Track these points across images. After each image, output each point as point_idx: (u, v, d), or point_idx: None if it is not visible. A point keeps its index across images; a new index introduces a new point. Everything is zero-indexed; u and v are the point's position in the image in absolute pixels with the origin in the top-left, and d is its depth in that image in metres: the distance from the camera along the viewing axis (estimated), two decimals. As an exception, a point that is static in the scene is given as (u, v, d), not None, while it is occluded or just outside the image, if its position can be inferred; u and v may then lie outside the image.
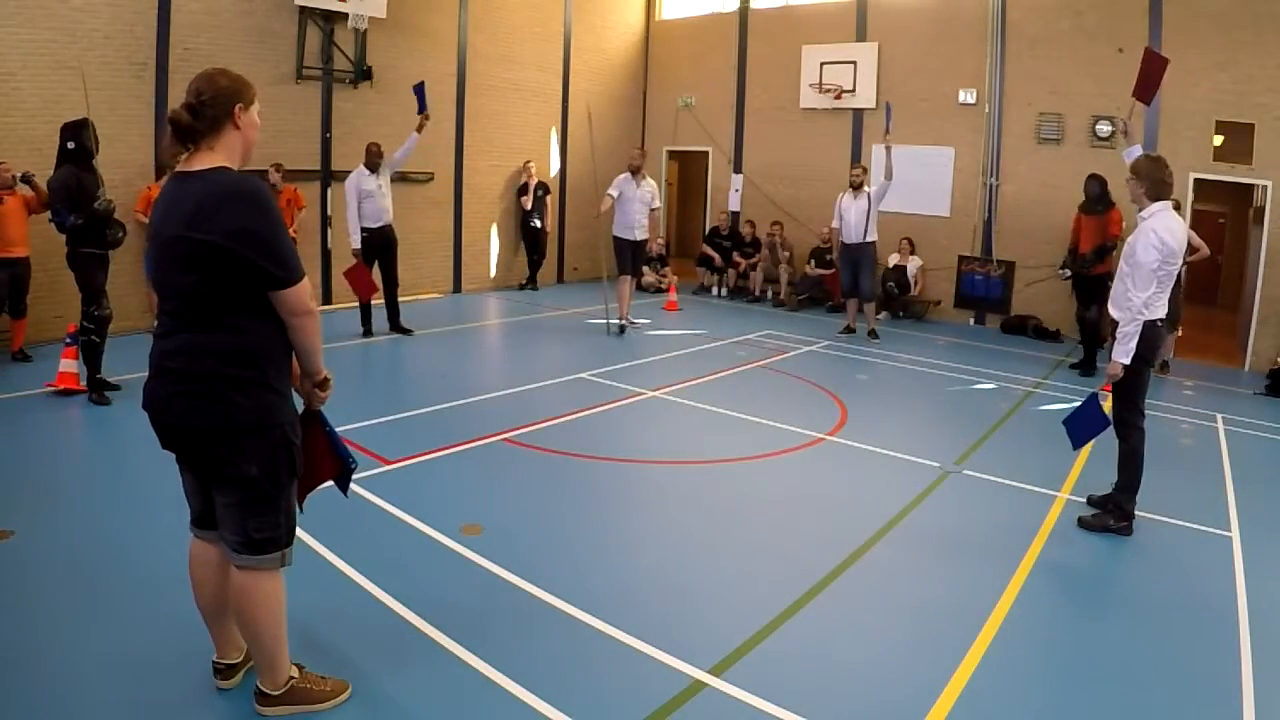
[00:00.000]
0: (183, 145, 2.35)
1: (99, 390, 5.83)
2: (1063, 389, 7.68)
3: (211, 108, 2.33)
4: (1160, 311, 4.26)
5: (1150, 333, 4.22)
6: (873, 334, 9.60)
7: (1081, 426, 4.53)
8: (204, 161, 2.33)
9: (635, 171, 9.05)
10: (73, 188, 5.53)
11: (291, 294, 2.32)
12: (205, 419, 2.32)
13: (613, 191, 9.06)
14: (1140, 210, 4.30)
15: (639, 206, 9.07)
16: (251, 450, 2.35)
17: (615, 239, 9.28)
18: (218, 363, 2.30)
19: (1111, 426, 4.45)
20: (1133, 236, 4.26)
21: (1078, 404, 4.69)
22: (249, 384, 2.33)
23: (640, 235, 9.17)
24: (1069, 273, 8.40)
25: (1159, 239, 4.12)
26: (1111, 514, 4.39)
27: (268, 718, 2.56)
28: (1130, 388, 4.33)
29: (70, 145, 5.58)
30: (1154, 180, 4.27)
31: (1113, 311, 4.36)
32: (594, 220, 9.50)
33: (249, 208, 2.26)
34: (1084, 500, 4.73)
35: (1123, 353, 4.22)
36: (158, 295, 2.45)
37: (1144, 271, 4.13)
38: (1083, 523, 4.43)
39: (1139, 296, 4.15)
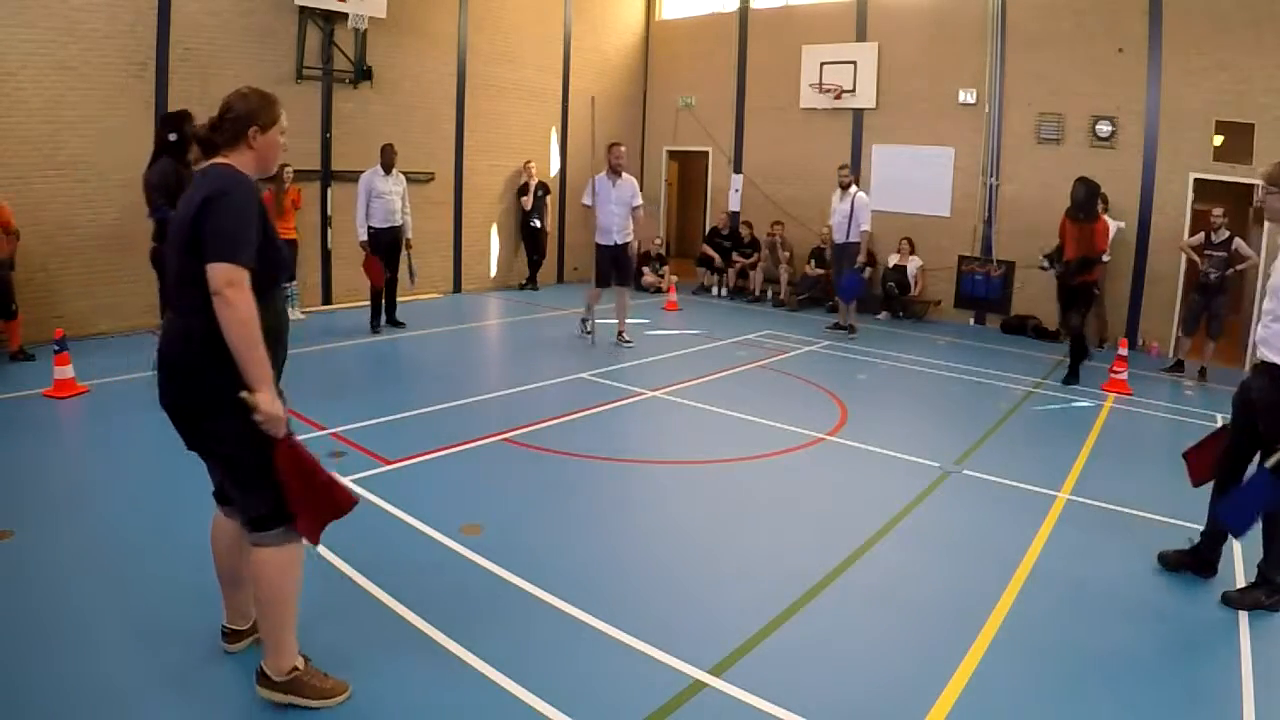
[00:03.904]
0: (206, 155, 2.52)
1: None
2: (1063, 389, 7.68)
3: (231, 125, 2.49)
4: None
5: None
6: (851, 329, 9.81)
7: (1246, 507, 3.55)
8: (217, 159, 2.49)
9: (614, 171, 8.32)
10: (172, 182, 5.39)
11: (214, 267, 2.29)
12: (188, 397, 2.44)
13: (586, 200, 8.53)
14: None
15: (616, 209, 8.32)
16: (227, 430, 2.42)
17: (595, 245, 8.55)
18: (201, 344, 2.36)
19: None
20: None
21: (1248, 484, 3.63)
22: (227, 363, 2.34)
23: (621, 239, 8.38)
24: (1049, 264, 7.90)
25: None
26: (1262, 588, 3.62)
27: (264, 698, 2.60)
28: None
29: (172, 137, 5.47)
30: None
31: (1275, 358, 3.48)
32: (594, 220, 9.29)
33: (222, 185, 2.37)
34: (1083, 500, 4.72)
35: None
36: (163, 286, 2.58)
37: None
38: (1228, 600, 3.65)
39: None
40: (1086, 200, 7.58)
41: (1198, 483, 3.98)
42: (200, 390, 2.41)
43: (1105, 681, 3.04)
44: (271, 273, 2.49)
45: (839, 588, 3.67)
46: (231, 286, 2.28)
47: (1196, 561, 3.86)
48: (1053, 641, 3.32)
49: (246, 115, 2.49)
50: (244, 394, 2.35)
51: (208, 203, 2.33)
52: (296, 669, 2.62)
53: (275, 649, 2.59)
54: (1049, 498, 4.84)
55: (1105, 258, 8.94)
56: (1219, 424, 6.21)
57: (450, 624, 3.16)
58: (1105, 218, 8.26)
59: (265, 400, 2.36)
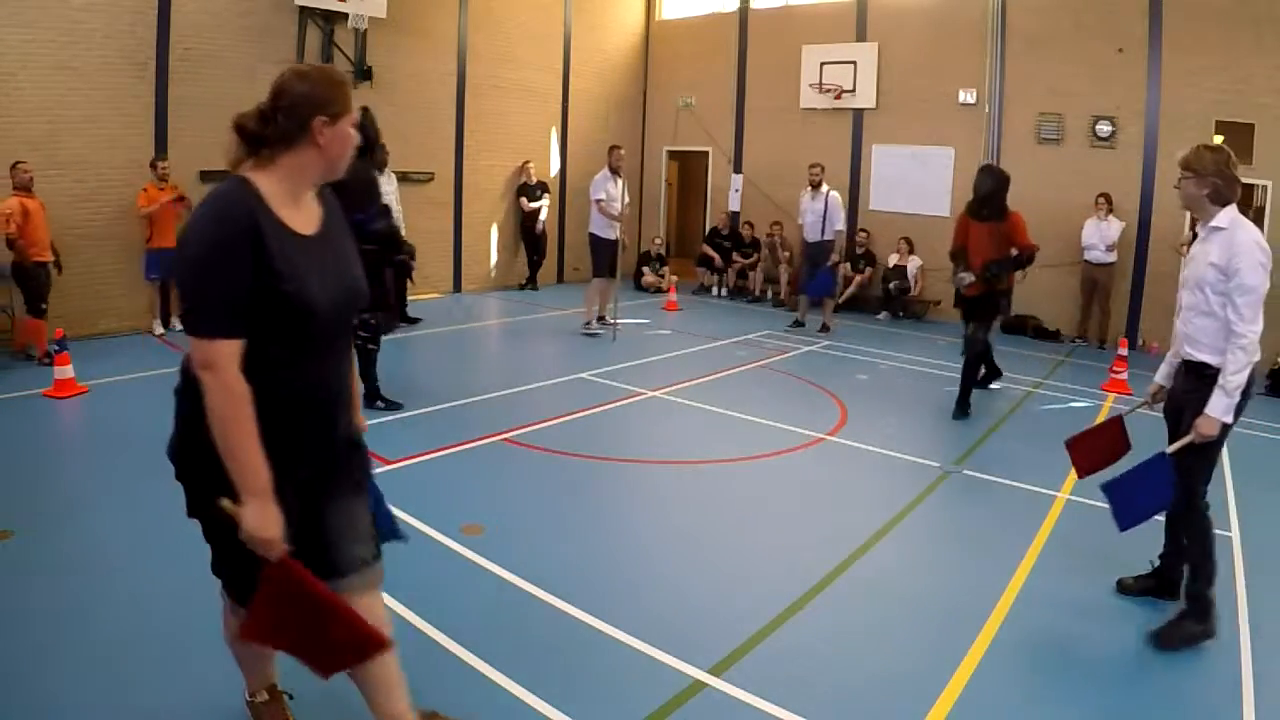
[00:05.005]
0: (249, 154, 1.91)
1: (377, 396, 5.75)
2: (1063, 389, 7.68)
3: (288, 114, 1.88)
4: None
5: (1249, 380, 3.25)
6: (800, 324, 10.00)
7: (1136, 498, 3.36)
8: (245, 171, 1.89)
9: (615, 171, 8.86)
10: (364, 182, 4.95)
11: (191, 341, 1.80)
12: (170, 454, 2.02)
13: (600, 195, 8.81)
14: (1207, 221, 3.28)
15: (618, 206, 8.91)
16: (195, 504, 1.98)
17: (596, 238, 8.94)
18: (189, 403, 1.89)
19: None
20: (1223, 256, 3.17)
21: (1137, 466, 3.39)
22: (189, 419, 1.90)
23: (618, 234, 8.95)
24: (969, 279, 6.31)
25: (1265, 254, 3.16)
26: (1191, 616, 3.33)
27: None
28: (1214, 446, 3.31)
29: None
30: (1227, 178, 3.23)
31: (1201, 356, 3.28)
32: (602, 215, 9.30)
33: (192, 218, 1.86)
34: (1083, 500, 4.71)
35: (1226, 408, 3.16)
36: None
37: (1254, 298, 3.15)
38: (1159, 637, 3.33)
39: (1252, 331, 3.14)
40: (994, 193, 6.26)
41: (1084, 474, 3.85)
42: (173, 443, 1.98)
43: (1105, 680, 3.04)
44: (287, 327, 1.85)
45: (839, 587, 3.67)
46: (207, 370, 1.77)
47: (1160, 584, 3.65)
48: (1053, 641, 3.32)
49: (309, 101, 1.88)
50: (224, 502, 1.80)
51: (179, 242, 1.90)
52: (256, 698, 2.46)
53: (244, 673, 2.49)
54: (1049, 498, 4.84)
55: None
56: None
57: (450, 624, 3.16)
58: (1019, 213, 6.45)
59: (250, 516, 1.79)
